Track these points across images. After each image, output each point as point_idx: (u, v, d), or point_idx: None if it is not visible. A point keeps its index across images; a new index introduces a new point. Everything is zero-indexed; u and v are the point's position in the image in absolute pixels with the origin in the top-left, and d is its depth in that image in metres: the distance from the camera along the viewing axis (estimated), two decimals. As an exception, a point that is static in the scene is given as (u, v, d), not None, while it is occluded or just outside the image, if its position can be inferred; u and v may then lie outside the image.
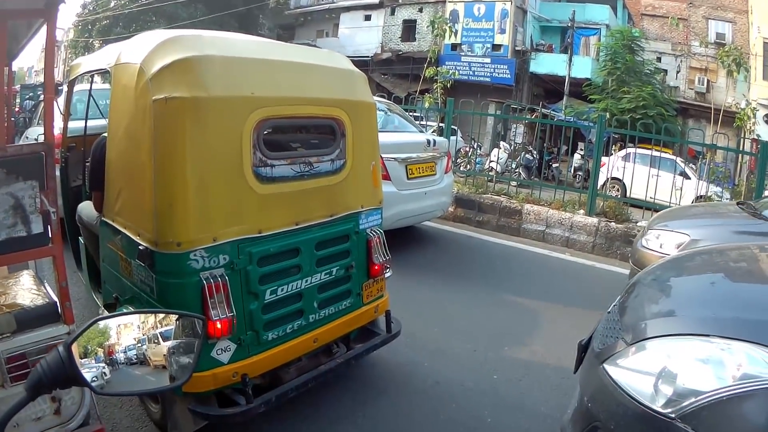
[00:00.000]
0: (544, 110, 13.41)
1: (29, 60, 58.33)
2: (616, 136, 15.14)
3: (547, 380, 4.67)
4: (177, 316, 1.30)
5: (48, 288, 3.27)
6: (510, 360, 5.05)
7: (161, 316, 1.29)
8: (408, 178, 7.47)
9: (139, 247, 3.25)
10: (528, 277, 7.41)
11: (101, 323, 1.21)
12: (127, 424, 3.81)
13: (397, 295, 4.94)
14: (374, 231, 4.22)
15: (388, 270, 4.36)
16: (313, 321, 3.82)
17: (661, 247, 5.99)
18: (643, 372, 2.71)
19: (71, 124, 5.31)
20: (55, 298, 3.10)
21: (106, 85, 5.76)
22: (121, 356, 1.24)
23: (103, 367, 1.20)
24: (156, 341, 1.28)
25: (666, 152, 12.73)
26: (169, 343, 1.29)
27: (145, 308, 3.22)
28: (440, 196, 8.16)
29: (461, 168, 12.98)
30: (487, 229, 9.59)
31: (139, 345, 1.26)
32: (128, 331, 1.25)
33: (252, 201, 3.39)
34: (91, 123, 5.26)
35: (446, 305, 6.21)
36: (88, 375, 1.16)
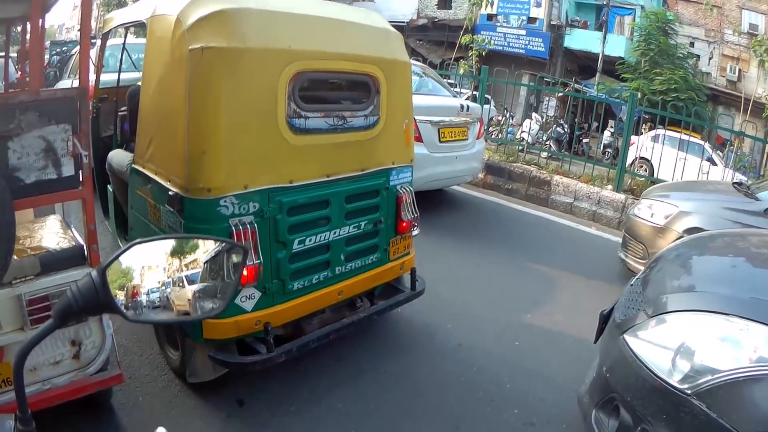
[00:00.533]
0: (576, 85, 13.20)
1: (59, 18, 58.71)
2: (647, 116, 14.92)
3: (567, 351, 4.60)
4: (217, 242, 1.22)
5: (74, 232, 3.25)
6: (532, 328, 4.98)
7: (200, 242, 1.21)
8: (440, 141, 7.37)
9: (169, 193, 3.22)
10: (553, 248, 7.28)
11: (139, 247, 1.13)
12: (146, 372, 3.82)
13: (424, 256, 4.89)
14: (404, 188, 4.16)
15: (416, 228, 4.31)
16: (339, 273, 3.81)
17: (651, 216, 6.06)
18: (662, 346, 2.73)
19: (104, 77, 5.32)
20: (82, 242, 3.07)
21: (140, 40, 5.75)
22: (145, 298, 1.19)
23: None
24: (181, 284, 1.22)
25: (695, 137, 12.56)
26: (203, 277, 1.23)
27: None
28: (471, 161, 8.06)
29: (493, 136, 12.83)
30: (516, 198, 9.45)
31: (164, 288, 1.20)
32: (154, 273, 1.18)
33: (284, 151, 3.37)
34: (123, 75, 5.28)
35: (472, 269, 6.15)
36: (120, 302, 1.09)
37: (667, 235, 5.76)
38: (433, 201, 8.19)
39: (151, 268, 1.17)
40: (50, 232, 3.20)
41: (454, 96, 8.75)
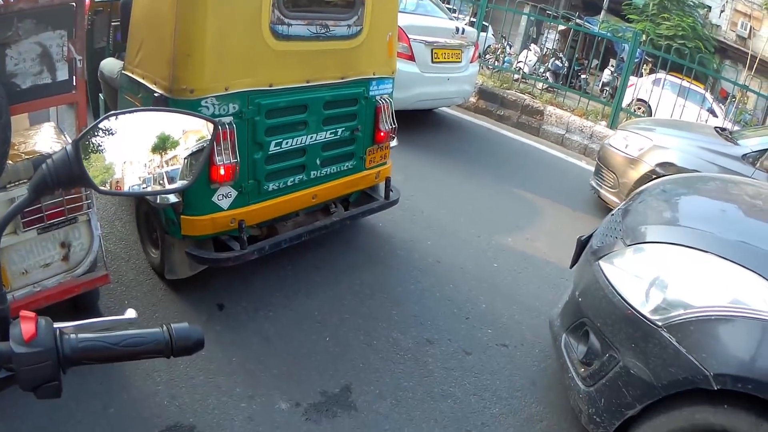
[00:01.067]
0: (579, 20, 13.02)
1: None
2: (649, 59, 14.78)
3: (546, 277, 4.67)
4: (189, 116, 1.23)
5: (68, 137, 3.26)
6: (512, 251, 5.03)
7: (175, 115, 1.22)
8: (432, 62, 7.32)
9: (155, 95, 3.35)
10: (541, 177, 7.28)
11: (112, 119, 1.14)
12: (132, 277, 3.87)
13: (410, 173, 4.94)
14: (384, 99, 4.25)
15: (393, 139, 4.41)
16: (314, 177, 3.94)
17: (626, 147, 6.20)
18: (637, 275, 2.76)
19: None
20: None
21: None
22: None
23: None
24: (161, 182, 1.23)
25: (697, 85, 12.48)
26: (183, 174, 1.24)
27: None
28: (463, 84, 8.01)
29: (489, 63, 12.68)
30: (507, 125, 9.35)
31: (145, 186, 1.21)
32: (135, 168, 1.19)
33: (266, 56, 3.46)
34: None
35: (457, 189, 6.17)
36: (93, 174, 1.11)
37: (638, 167, 5.93)
38: (424, 121, 8.18)
39: (132, 163, 1.18)
40: (44, 138, 3.21)
41: (451, 19, 8.67)
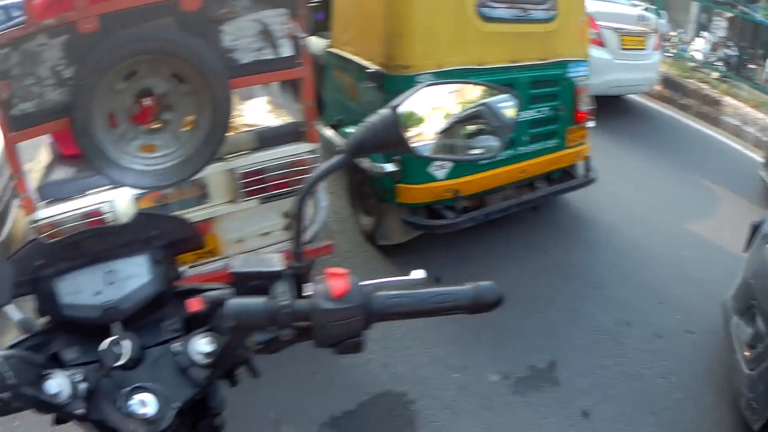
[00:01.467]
0: (743, 8, 12.22)
1: None
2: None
3: (730, 266, 4.39)
4: (486, 87, 1.22)
5: (286, 111, 3.33)
6: (699, 239, 4.88)
7: (476, 87, 1.22)
8: (621, 49, 7.12)
9: (369, 71, 3.53)
10: (720, 168, 6.87)
11: (427, 89, 1.15)
12: (347, 249, 3.99)
13: (607, 157, 4.96)
14: (581, 80, 4.24)
15: (591, 119, 4.37)
16: (522, 153, 4.01)
17: None
18: None
19: None
20: (296, 120, 3.13)
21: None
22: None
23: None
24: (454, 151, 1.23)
25: None
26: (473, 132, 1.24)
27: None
28: (649, 71, 7.73)
29: (667, 50, 12.14)
30: (689, 114, 8.92)
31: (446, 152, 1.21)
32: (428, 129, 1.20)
33: (473, 36, 3.56)
34: None
35: (649, 176, 6.11)
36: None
37: None
38: (614, 108, 7.99)
39: (437, 129, 1.16)
40: (262, 111, 3.29)
41: (632, 5, 8.37)
